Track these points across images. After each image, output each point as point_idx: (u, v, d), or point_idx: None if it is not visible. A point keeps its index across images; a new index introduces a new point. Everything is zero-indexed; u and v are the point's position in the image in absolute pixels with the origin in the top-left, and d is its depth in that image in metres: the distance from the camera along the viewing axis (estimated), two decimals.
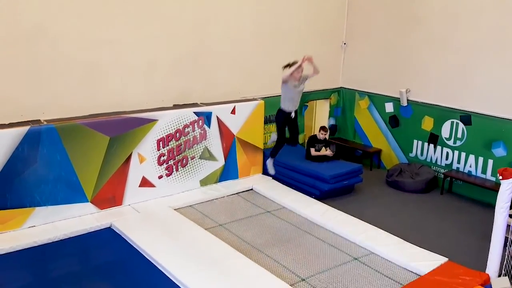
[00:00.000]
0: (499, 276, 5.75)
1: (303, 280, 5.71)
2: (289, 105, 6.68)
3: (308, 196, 8.16)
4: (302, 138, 10.55)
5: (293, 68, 6.64)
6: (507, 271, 5.82)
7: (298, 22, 9.95)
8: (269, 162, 7.96)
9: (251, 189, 8.55)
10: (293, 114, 6.66)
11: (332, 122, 11.24)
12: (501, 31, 8.20)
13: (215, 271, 5.66)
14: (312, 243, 6.68)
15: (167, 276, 5.68)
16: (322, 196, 8.36)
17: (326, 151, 9.16)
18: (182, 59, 8.34)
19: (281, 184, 8.70)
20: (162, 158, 7.72)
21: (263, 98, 9.17)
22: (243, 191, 8.43)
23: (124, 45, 7.60)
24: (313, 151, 9.11)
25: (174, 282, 5.54)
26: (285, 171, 8.99)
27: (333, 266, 6.01)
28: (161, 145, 7.67)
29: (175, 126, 7.78)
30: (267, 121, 9.54)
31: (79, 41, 7.15)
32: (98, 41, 7.32)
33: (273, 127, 9.89)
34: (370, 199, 8.72)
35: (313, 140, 9.27)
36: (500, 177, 5.68)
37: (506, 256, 5.80)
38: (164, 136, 7.68)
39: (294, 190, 8.40)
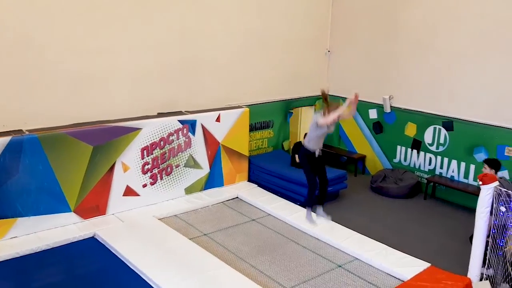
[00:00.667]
0: (481, 280, 5.83)
1: None
2: (315, 144, 5.78)
3: (292, 203, 8.17)
4: (287, 144, 10.60)
5: (338, 112, 5.62)
6: (487, 276, 5.90)
7: (283, 30, 10.03)
8: (307, 213, 6.67)
9: (236, 197, 8.54)
10: (317, 153, 5.73)
11: None
12: (482, 38, 8.35)
13: (199, 281, 5.63)
14: (296, 251, 6.68)
15: (152, 286, 5.65)
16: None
17: None
18: (167, 68, 8.34)
19: (266, 191, 8.71)
20: (146, 167, 7.69)
21: (248, 106, 9.20)
22: (228, 199, 8.41)
23: (108, 54, 7.58)
24: (298, 158, 9.14)
25: None
26: (270, 178, 9.02)
27: (317, 275, 6.02)
28: (145, 153, 7.64)
29: (159, 134, 7.76)
30: (252, 128, 9.58)
31: (64, 50, 7.13)
32: (82, 50, 7.30)
33: (258, 134, 9.94)
34: (355, 205, 8.79)
35: (299, 147, 9.30)
36: (480, 183, 5.78)
37: (486, 261, 5.88)
38: (148, 145, 7.66)
39: (279, 197, 8.41)
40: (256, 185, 8.96)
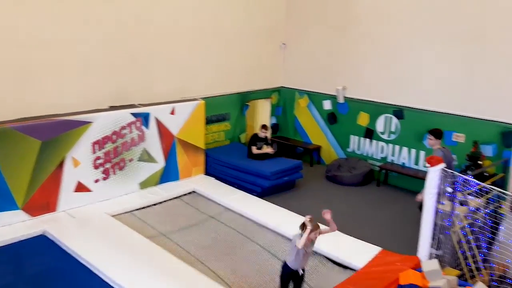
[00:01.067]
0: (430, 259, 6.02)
1: None
2: (298, 263, 5.39)
3: (250, 194, 8.19)
4: (244, 137, 10.61)
5: (306, 233, 5.28)
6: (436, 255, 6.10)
7: (238, 23, 10.01)
8: None
9: (193, 191, 8.44)
10: (301, 271, 5.58)
11: (274, 121, 11.38)
12: (429, 28, 8.65)
13: (154, 275, 5.53)
14: (252, 250, 6.57)
15: (106, 282, 5.52)
16: (264, 193, 8.44)
17: (267, 149, 9.26)
18: (119, 59, 8.16)
19: (223, 183, 8.68)
20: (98, 162, 7.49)
21: (203, 98, 9.13)
22: (185, 194, 8.30)
23: (56, 45, 7.34)
24: (254, 149, 9.18)
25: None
26: (227, 170, 9.00)
27: (275, 272, 5.79)
28: (96, 148, 7.44)
29: (111, 128, 7.57)
30: (208, 121, 9.50)
31: (9, 41, 6.83)
32: (29, 40, 7.02)
33: (215, 126, 9.89)
34: (310, 194, 8.91)
35: (255, 139, 9.34)
36: (428, 165, 5.98)
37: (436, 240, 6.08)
38: (100, 139, 7.46)
39: (236, 189, 8.40)
40: (213, 178, 8.91)
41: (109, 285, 5.48)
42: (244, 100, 10.48)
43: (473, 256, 6.45)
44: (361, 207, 8.36)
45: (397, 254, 6.10)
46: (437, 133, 6.82)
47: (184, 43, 9.13)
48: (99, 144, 7.46)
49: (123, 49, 8.19)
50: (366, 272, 5.78)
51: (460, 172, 6.56)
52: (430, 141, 6.80)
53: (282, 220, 7.17)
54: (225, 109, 10.03)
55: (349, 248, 6.38)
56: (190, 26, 9.18)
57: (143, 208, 7.68)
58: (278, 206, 7.62)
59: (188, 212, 7.71)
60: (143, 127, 8.02)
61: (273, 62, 11.14)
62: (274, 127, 11.33)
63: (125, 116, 7.75)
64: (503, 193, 6.80)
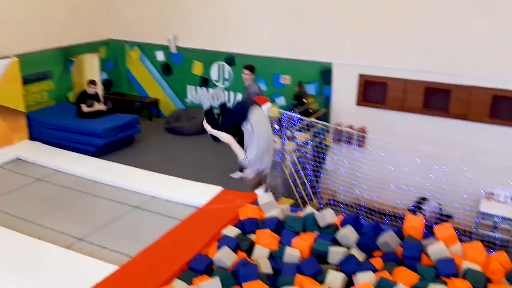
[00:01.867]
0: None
1: (81, 239, 5.37)
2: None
3: (83, 155, 7.66)
4: (72, 96, 9.77)
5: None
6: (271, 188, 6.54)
7: None
8: None
9: (17, 159, 7.57)
10: None
11: (105, 76, 10.68)
12: None
13: None
14: (89, 202, 6.28)
15: None
16: (100, 152, 8.01)
17: (99, 106, 8.70)
18: None
19: (52, 147, 7.94)
20: None
21: (17, 56, 8.09)
22: (7, 163, 7.40)
23: None
24: (84, 107, 8.55)
25: None
26: (56, 132, 8.28)
27: (112, 220, 5.78)
28: None
29: None
30: (26, 81, 8.48)
31: None
32: None
33: (35, 86, 8.92)
34: (151, 147, 8.75)
35: (84, 96, 8.69)
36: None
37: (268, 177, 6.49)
38: None
39: (67, 151, 7.76)
40: (40, 143, 8.09)
41: None
42: (67, 55, 9.57)
43: (303, 185, 7.10)
44: (202, 155, 8.48)
45: (235, 191, 6.34)
46: (252, 68, 7.64)
47: None
48: None
49: None
50: (208, 209, 5.91)
51: (289, 111, 7.03)
52: (247, 76, 7.43)
53: (120, 175, 6.89)
54: (45, 67, 9.04)
55: (192, 192, 6.41)
56: None
57: None
58: (114, 163, 7.28)
59: (11, 179, 6.90)
60: None
61: (97, 12, 10.31)
62: (106, 83, 10.66)
63: None
64: (326, 126, 7.53)
